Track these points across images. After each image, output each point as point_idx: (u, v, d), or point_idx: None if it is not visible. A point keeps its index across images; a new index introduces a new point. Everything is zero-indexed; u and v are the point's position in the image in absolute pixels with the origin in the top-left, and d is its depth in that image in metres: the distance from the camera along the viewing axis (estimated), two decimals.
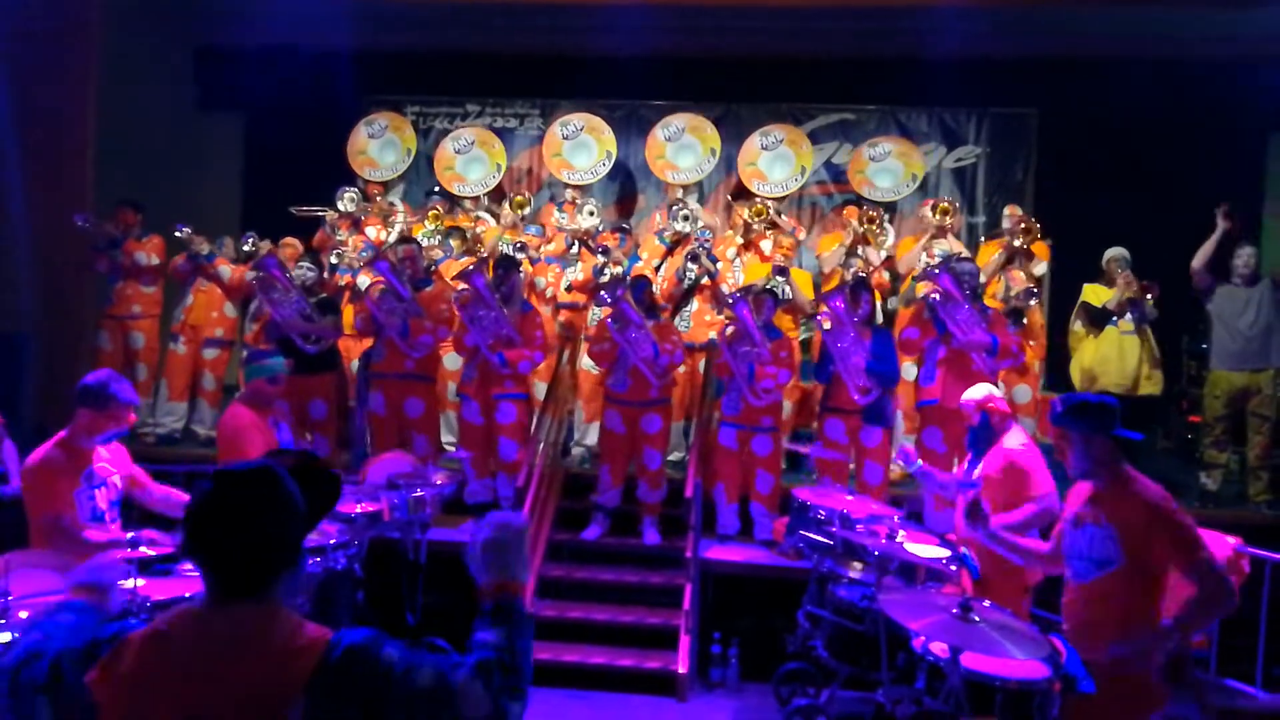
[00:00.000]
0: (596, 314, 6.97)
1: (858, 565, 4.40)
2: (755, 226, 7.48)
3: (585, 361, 6.94)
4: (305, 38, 8.83)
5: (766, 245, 7.48)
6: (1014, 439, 4.42)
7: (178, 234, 7.43)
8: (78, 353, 7.36)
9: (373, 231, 8.16)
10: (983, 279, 6.51)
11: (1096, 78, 8.69)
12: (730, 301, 6.12)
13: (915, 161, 8.43)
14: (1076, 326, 7.17)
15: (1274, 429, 6.53)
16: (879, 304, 7.08)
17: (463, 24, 9.12)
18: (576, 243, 7.51)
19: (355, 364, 7.31)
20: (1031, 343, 6.90)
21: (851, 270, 6.81)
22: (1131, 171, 8.56)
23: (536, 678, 5.17)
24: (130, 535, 3.88)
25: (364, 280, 7.24)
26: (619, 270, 7.00)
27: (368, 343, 6.77)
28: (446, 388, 7.18)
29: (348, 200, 8.20)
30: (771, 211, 7.60)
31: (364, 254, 7.67)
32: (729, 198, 8.69)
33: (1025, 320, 6.83)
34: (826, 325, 6.01)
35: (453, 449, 6.98)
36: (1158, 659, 3.06)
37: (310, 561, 3.89)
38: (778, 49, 9.12)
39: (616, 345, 6.06)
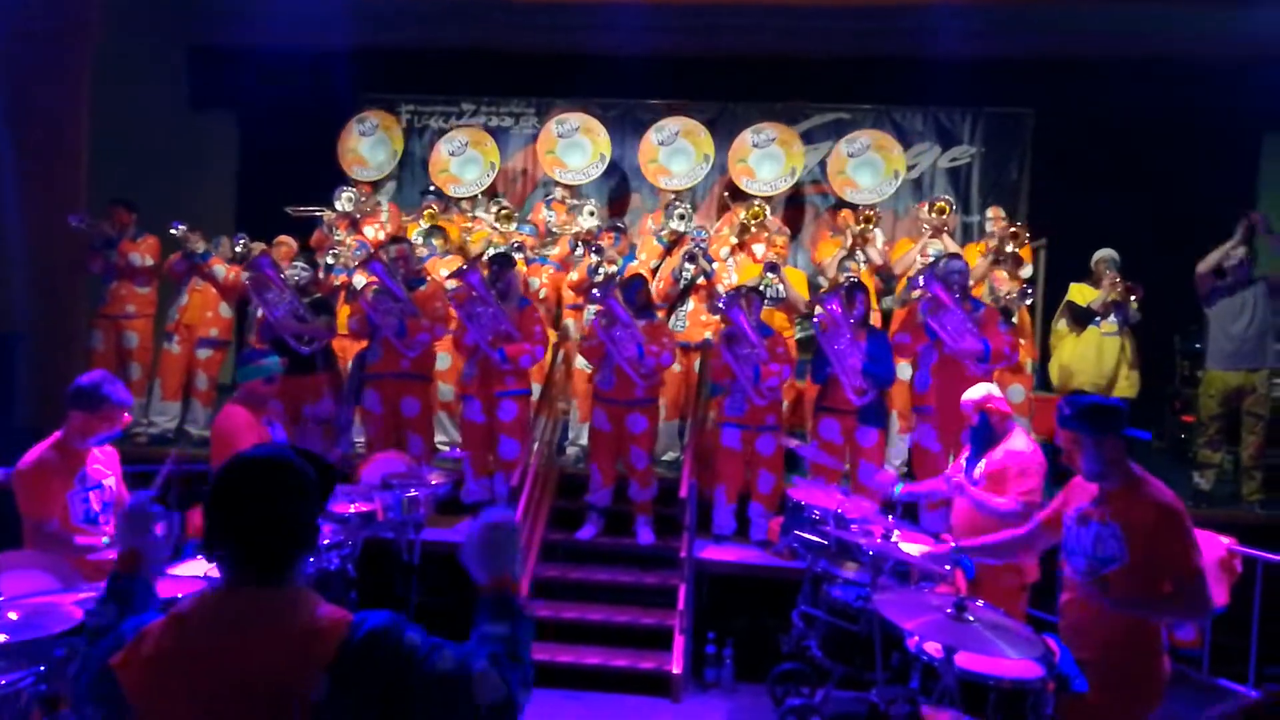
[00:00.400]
0: (591, 312, 6.97)
1: (852, 565, 4.40)
2: (751, 228, 7.48)
3: (580, 361, 6.94)
4: (300, 37, 8.81)
5: (759, 248, 7.48)
6: (1019, 440, 4.42)
7: (173, 231, 7.40)
8: (71, 353, 7.33)
9: (370, 231, 8.15)
10: (970, 282, 6.51)
11: (1092, 78, 8.70)
12: (722, 305, 6.12)
13: (895, 157, 8.43)
14: (1060, 325, 7.19)
15: (1268, 429, 6.54)
16: (874, 305, 7.07)
17: (458, 23, 9.12)
18: (580, 245, 7.51)
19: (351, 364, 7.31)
20: (1022, 341, 6.91)
21: (846, 273, 6.80)
22: (1127, 171, 8.58)
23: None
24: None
25: (359, 280, 7.23)
26: (613, 269, 7.00)
27: (364, 343, 6.76)
28: (437, 388, 7.17)
29: (345, 200, 8.20)
30: (768, 213, 7.61)
31: (358, 254, 7.66)
32: (725, 194, 8.69)
33: (1015, 320, 6.84)
34: (822, 327, 6.01)
35: (445, 449, 6.97)
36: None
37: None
38: (773, 48, 9.12)
39: (602, 343, 6.06)
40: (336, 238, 7.95)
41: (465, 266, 6.27)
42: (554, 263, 7.66)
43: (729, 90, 9.34)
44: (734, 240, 7.57)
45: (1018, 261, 7.29)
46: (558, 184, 8.63)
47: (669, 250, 7.42)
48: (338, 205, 8.19)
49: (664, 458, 6.94)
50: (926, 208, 7.54)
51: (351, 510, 4.47)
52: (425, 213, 8.01)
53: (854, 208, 8.05)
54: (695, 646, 5.69)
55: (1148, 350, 7.11)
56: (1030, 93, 9.05)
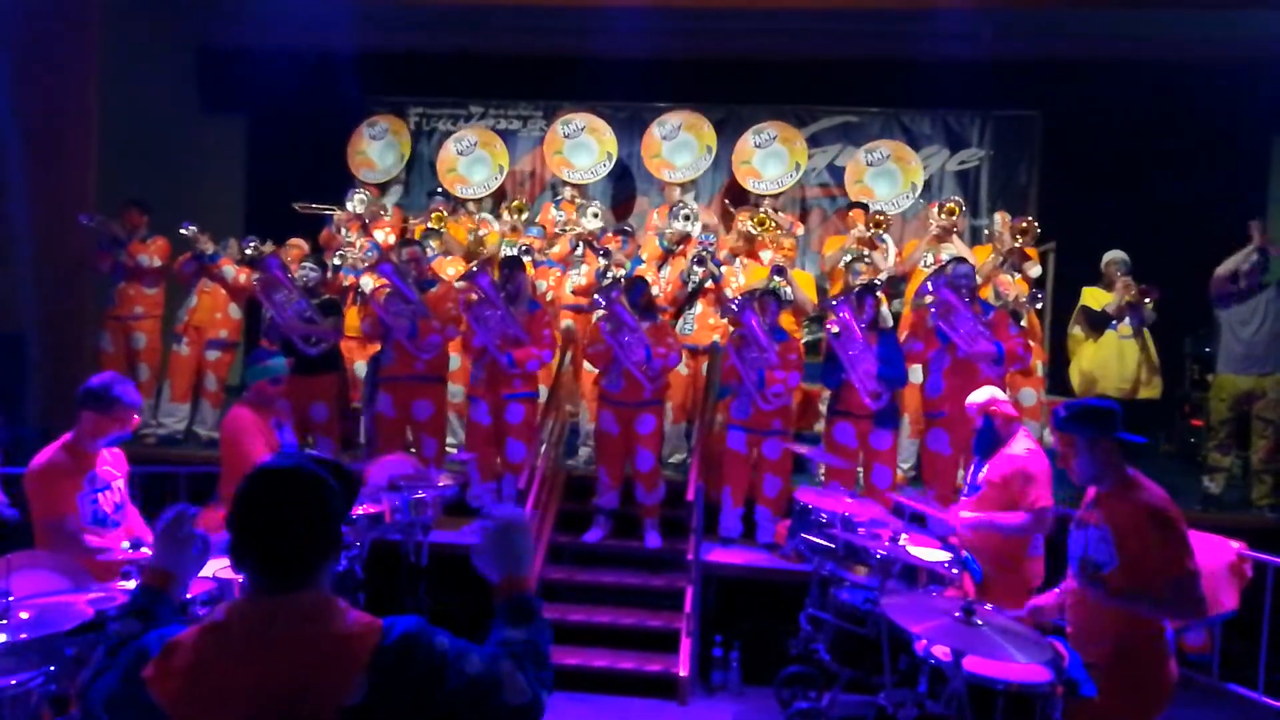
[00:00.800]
0: (598, 316, 6.98)
1: (860, 568, 4.39)
2: (758, 235, 7.48)
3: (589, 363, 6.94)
4: (308, 39, 8.85)
5: (766, 254, 7.48)
6: (1021, 445, 4.41)
7: (183, 231, 7.41)
8: (79, 354, 7.37)
9: (381, 234, 8.17)
10: (978, 281, 6.51)
11: (1100, 80, 8.68)
12: (735, 308, 6.12)
13: (913, 168, 8.45)
14: (1075, 330, 7.16)
15: (1278, 433, 6.51)
16: (884, 308, 7.08)
17: (466, 26, 9.15)
18: (581, 244, 7.52)
19: (358, 366, 7.33)
20: (1032, 344, 6.89)
21: (857, 276, 6.80)
22: (1136, 174, 8.56)
23: None
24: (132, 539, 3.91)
25: (367, 282, 7.24)
26: (621, 273, 7.00)
27: (372, 346, 6.77)
28: (447, 389, 7.18)
29: (358, 201, 8.22)
30: (771, 212, 7.62)
31: (369, 255, 7.68)
32: (726, 202, 8.70)
33: (1024, 323, 6.83)
34: (835, 331, 6.00)
35: (454, 451, 6.98)
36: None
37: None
38: (781, 51, 9.13)
39: (610, 348, 6.06)
40: (346, 239, 7.97)
41: (475, 269, 6.27)
42: (559, 264, 7.66)
43: (736, 93, 9.34)
44: (741, 245, 7.59)
45: (1023, 257, 7.28)
46: (566, 184, 8.65)
47: (671, 252, 7.42)
48: (349, 206, 8.21)
49: (671, 460, 6.94)
50: (936, 209, 7.53)
51: (359, 512, 4.48)
52: (432, 215, 8.03)
53: (865, 208, 8.04)
54: (702, 649, 5.68)
55: (1158, 353, 7.07)
56: (1039, 96, 9.04)
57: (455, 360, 7.04)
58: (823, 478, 6.35)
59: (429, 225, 7.89)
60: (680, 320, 7.13)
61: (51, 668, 2.95)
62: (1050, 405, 7.00)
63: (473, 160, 8.94)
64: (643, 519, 6.30)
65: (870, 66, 9.14)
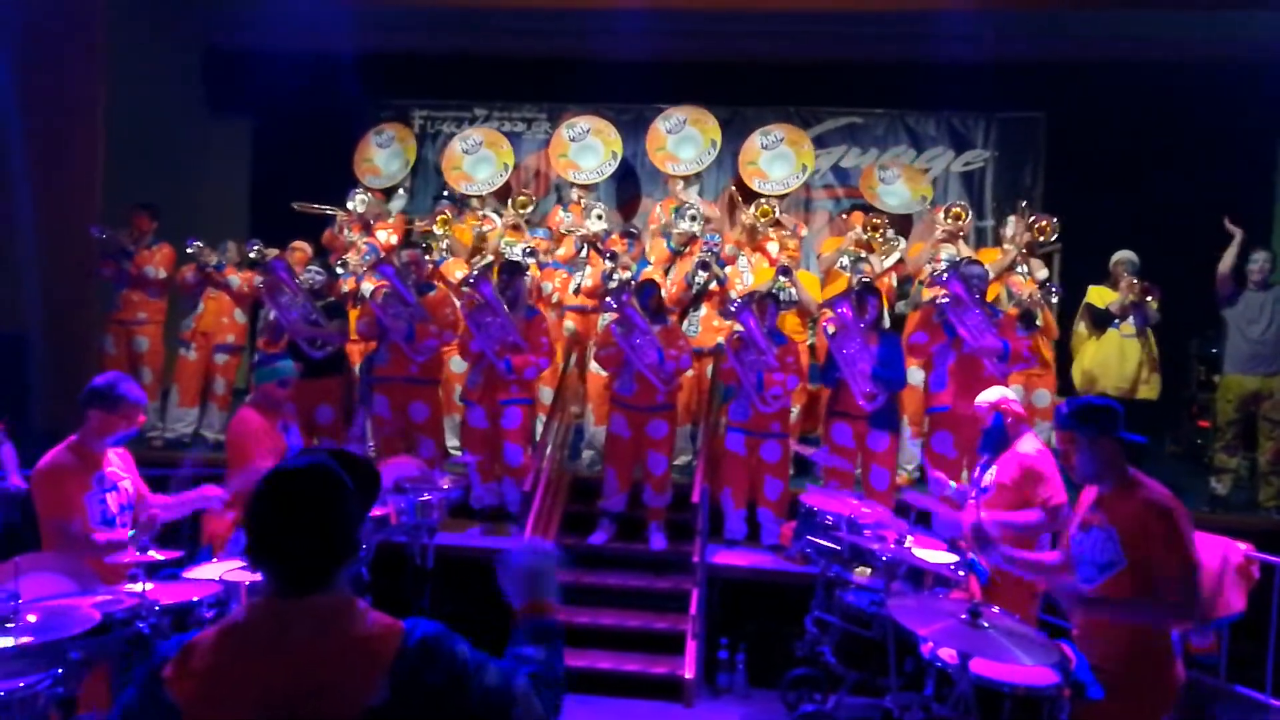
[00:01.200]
0: (606, 319, 6.98)
1: (865, 570, 4.39)
2: (760, 228, 7.50)
3: (594, 365, 6.94)
4: (314, 41, 8.86)
5: (773, 248, 7.50)
6: (1028, 444, 4.40)
7: (189, 250, 7.43)
8: (83, 356, 7.38)
9: (383, 235, 8.18)
10: (990, 279, 6.51)
11: (1105, 81, 8.67)
12: (734, 310, 6.11)
13: (922, 186, 8.49)
14: (1079, 328, 7.16)
15: None
16: (885, 309, 7.07)
17: (470, 28, 9.16)
18: (586, 246, 7.53)
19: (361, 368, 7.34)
20: (1045, 341, 6.90)
21: (858, 276, 6.80)
22: (1140, 175, 8.54)
23: None
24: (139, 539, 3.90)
25: (367, 286, 7.25)
26: (627, 275, 7.01)
27: (373, 347, 6.78)
28: (454, 391, 7.20)
29: (359, 202, 8.23)
30: (776, 212, 7.63)
31: (367, 258, 7.70)
32: (733, 190, 8.71)
33: (1041, 323, 6.82)
34: (831, 330, 6.00)
35: (458, 453, 6.99)
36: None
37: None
38: (785, 53, 9.13)
39: (621, 351, 6.06)
40: (348, 239, 7.98)
41: (477, 276, 6.27)
42: (562, 260, 7.66)
43: (742, 95, 9.34)
44: (743, 239, 7.61)
45: (1032, 249, 7.28)
46: (573, 185, 8.66)
47: (678, 253, 7.42)
48: (350, 206, 8.22)
49: (676, 463, 6.92)
50: (942, 213, 7.53)
51: None
52: (438, 218, 8.04)
53: (864, 210, 8.05)
54: (708, 651, 5.68)
55: (1164, 354, 7.06)
56: (1043, 97, 9.03)
57: (460, 363, 7.04)
58: (821, 478, 6.34)
59: (434, 228, 7.91)
60: (685, 322, 7.13)
61: (59, 671, 2.95)
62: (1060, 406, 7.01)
63: (478, 159, 8.96)
64: (648, 521, 6.30)
65: (875, 68, 9.15)
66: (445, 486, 5.03)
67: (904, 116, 9.27)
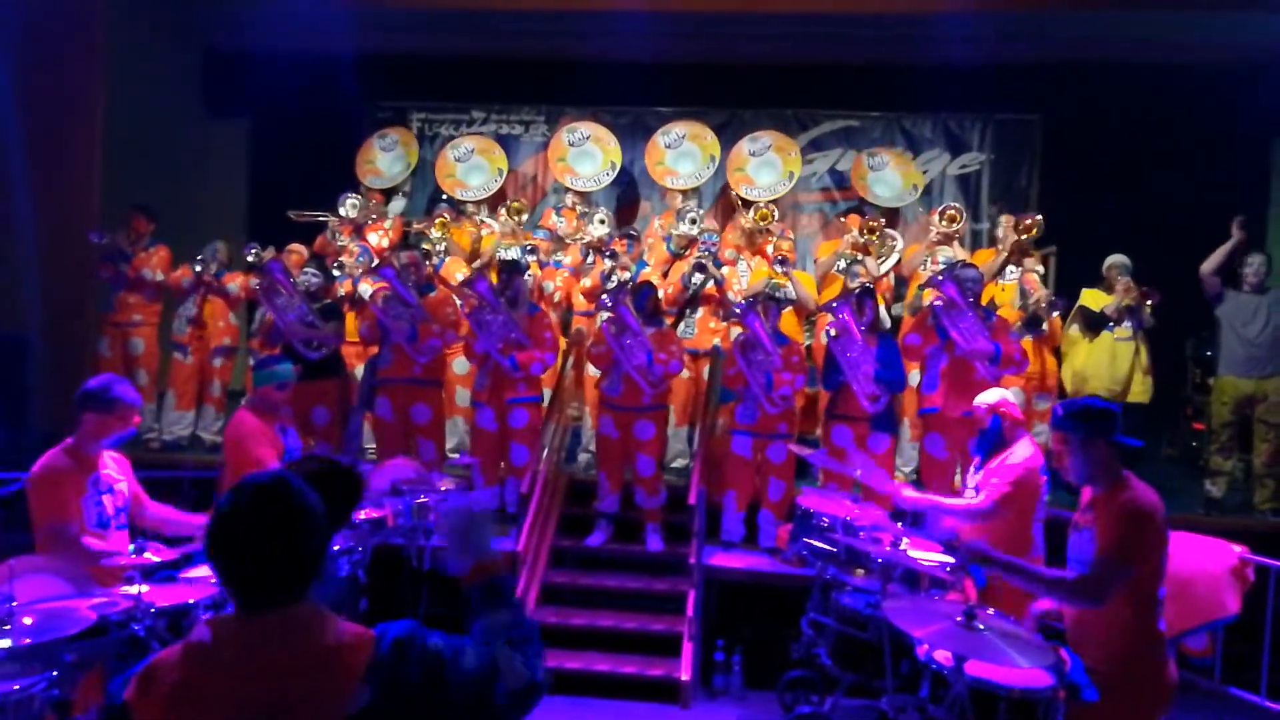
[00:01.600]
0: (603, 318, 6.99)
1: (861, 572, 4.39)
2: (759, 232, 7.53)
3: (591, 367, 6.95)
4: (312, 43, 8.86)
5: (771, 250, 7.52)
6: (1021, 450, 4.41)
7: (197, 267, 7.41)
8: (81, 358, 7.38)
9: (374, 238, 8.18)
10: (983, 283, 6.52)
11: (1101, 83, 8.69)
12: (739, 312, 6.13)
13: (913, 173, 8.48)
14: (1072, 331, 7.17)
15: None
16: (883, 311, 7.09)
17: (469, 30, 9.16)
18: (592, 252, 7.54)
19: (359, 370, 7.33)
20: (1047, 346, 6.92)
21: (856, 279, 6.82)
22: (1136, 177, 8.56)
23: None
24: (134, 542, 3.90)
25: (365, 288, 7.26)
26: (626, 276, 7.02)
27: (371, 349, 6.78)
28: (456, 393, 7.20)
29: (350, 206, 8.23)
30: (775, 215, 7.67)
31: (361, 260, 7.70)
32: (733, 194, 8.73)
33: (1046, 328, 6.84)
34: (833, 334, 6.01)
35: (456, 455, 6.99)
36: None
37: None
38: (783, 55, 9.15)
39: (611, 350, 6.07)
40: (340, 243, 7.98)
41: (473, 274, 6.28)
42: (569, 267, 7.68)
43: (739, 97, 9.36)
44: (739, 240, 7.63)
45: (1025, 253, 7.31)
46: (569, 190, 8.67)
47: (677, 257, 7.44)
48: (341, 211, 8.22)
49: (673, 464, 6.94)
50: (938, 216, 7.55)
51: (362, 516, 4.48)
52: (437, 221, 8.05)
53: (863, 213, 8.06)
54: (704, 653, 5.69)
55: (1159, 357, 7.07)
56: (1039, 99, 9.04)
57: (464, 364, 7.04)
58: (820, 481, 6.35)
59: (432, 231, 7.91)
60: (681, 324, 7.14)
61: (54, 673, 2.95)
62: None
63: (470, 166, 8.99)
64: (644, 523, 6.30)
65: (871, 71, 9.16)
66: (444, 488, 5.03)
67: (900, 119, 9.28)
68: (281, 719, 1.55)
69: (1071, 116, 8.91)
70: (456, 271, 7.48)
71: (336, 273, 7.60)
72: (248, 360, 7.56)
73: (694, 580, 5.75)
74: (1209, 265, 6.59)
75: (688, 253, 7.38)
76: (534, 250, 7.66)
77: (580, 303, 7.49)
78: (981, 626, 3.06)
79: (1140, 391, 6.86)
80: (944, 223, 7.45)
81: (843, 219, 8.35)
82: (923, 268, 7.31)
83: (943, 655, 3.28)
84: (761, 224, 7.56)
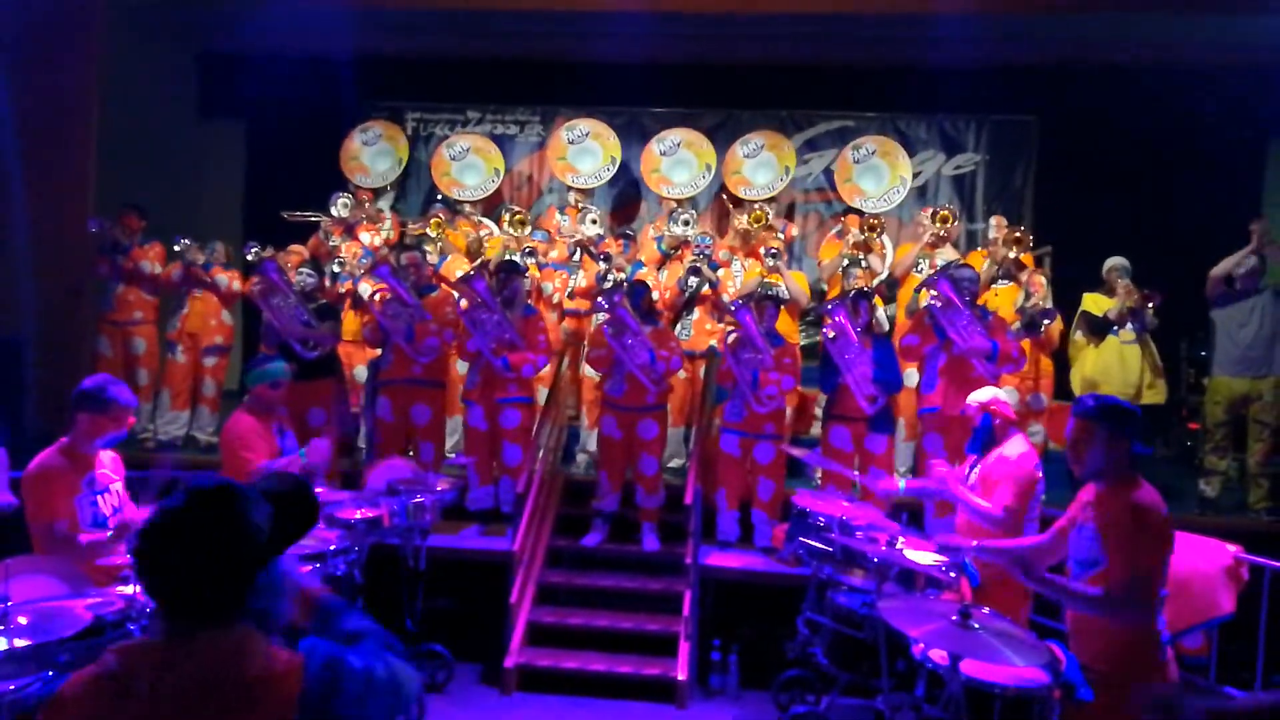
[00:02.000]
0: (599, 320, 6.99)
1: (857, 572, 4.39)
2: (754, 233, 7.54)
3: (587, 368, 6.96)
4: (307, 44, 8.86)
5: (763, 249, 7.53)
6: (1014, 446, 4.42)
7: (176, 247, 7.45)
8: (77, 358, 7.36)
9: (366, 237, 8.17)
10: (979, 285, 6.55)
11: (1096, 84, 8.71)
12: (732, 308, 6.14)
13: (900, 164, 8.45)
14: (1077, 336, 7.18)
15: (1275, 436, 6.52)
16: (880, 312, 7.10)
17: (464, 31, 9.16)
18: (579, 249, 7.54)
19: (358, 370, 7.33)
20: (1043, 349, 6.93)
21: (851, 280, 6.84)
22: (1132, 178, 8.58)
23: (537, 684, 5.16)
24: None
25: (365, 288, 7.25)
26: (621, 277, 7.03)
27: (371, 350, 6.78)
28: (458, 392, 7.20)
29: (340, 205, 8.23)
30: (769, 217, 7.68)
31: (364, 261, 7.70)
32: (725, 198, 8.74)
33: (1042, 332, 6.85)
34: (831, 336, 6.02)
35: (453, 455, 6.99)
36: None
37: (311, 568, 3.90)
38: (778, 56, 9.16)
39: (612, 351, 6.08)
40: (331, 244, 7.98)
41: (471, 273, 6.28)
42: (568, 267, 7.68)
43: (734, 97, 9.37)
44: (734, 241, 7.64)
45: (1019, 266, 7.33)
46: (570, 189, 8.67)
47: (668, 257, 7.45)
48: (333, 211, 8.22)
49: (670, 465, 6.94)
50: (930, 215, 7.56)
51: (358, 516, 4.49)
52: (432, 220, 8.04)
53: (861, 214, 8.07)
54: (700, 653, 5.69)
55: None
56: (1035, 100, 9.07)
57: (464, 365, 7.04)
58: (819, 482, 6.36)
59: (428, 231, 7.91)
60: (678, 326, 7.15)
61: (50, 674, 2.95)
62: (1055, 410, 7.05)
63: (464, 165, 8.98)
64: (641, 523, 6.31)
65: (866, 71, 9.18)
66: (440, 488, 5.04)
67: (895, 120, 9.30)
68: None
69: (1067, 117, 8.93)
70: (458, 270, 7.48)
71: (337, 270, 7.60)
72: (243, 360, 7.55)
73: (690, 580, 5.75)
74: (1221, 269, 6.59)
75: (679, 253, 7.39)
76: (533, 252, 7.66)
77: (570, 302, 7.48)
78: (977, 626, 3.07)
79: (1155, 393, 6.86)
80: (936, 223, 7.46)
81: (842, 218, 8.37)
82: (917, 270, 7.32)
83: (938, 654, 3.29)
84: (756, 226, 7.57)
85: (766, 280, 7.08)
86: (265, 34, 8.97)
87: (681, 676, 5.40)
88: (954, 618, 3.10)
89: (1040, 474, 4.39)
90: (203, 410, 7.57)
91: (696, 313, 7.22)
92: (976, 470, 4.48)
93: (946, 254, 7.38)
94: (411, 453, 6.49)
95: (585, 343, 7.13)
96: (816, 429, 7.00)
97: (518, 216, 8.10)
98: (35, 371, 7.08)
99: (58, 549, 3.64)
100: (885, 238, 7.81)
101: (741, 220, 7.72)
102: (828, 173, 9.30)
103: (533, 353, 6.23)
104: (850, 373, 5.91)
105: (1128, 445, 3.19)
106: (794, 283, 7.17)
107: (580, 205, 8.35)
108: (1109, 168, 8.73)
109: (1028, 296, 7.08)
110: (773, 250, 7.14)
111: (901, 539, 4.26)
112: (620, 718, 5.25)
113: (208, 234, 7.81)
